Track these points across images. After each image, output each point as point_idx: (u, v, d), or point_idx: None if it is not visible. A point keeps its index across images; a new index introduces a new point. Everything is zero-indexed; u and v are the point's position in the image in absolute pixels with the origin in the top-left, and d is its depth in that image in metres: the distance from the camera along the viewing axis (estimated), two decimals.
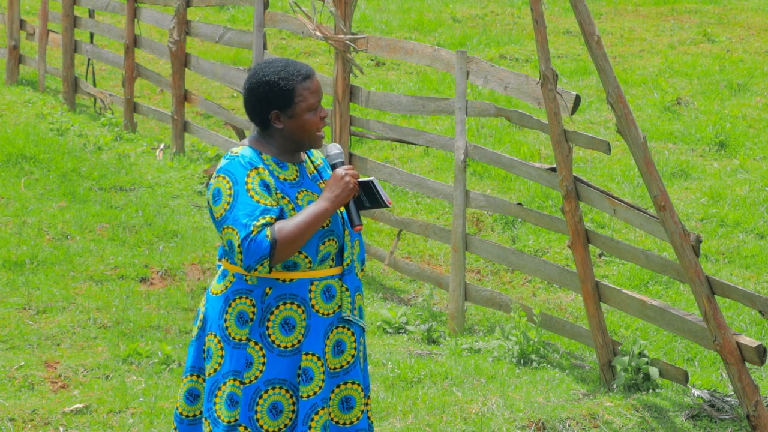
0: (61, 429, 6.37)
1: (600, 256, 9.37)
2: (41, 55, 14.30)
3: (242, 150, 4.39)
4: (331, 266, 4.41)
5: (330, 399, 4.44)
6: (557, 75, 7.02)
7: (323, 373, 4.38)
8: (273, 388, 4.35)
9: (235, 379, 4.35)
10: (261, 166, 4.34)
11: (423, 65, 12.60)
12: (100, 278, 8.69)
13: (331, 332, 4.42)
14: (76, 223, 9.68)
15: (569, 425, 6.57)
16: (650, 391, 7.02)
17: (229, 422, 4.34)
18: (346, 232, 4.44)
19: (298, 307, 4.36)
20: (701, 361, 7.68)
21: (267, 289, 4.35)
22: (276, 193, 4.32)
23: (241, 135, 11.14)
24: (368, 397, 4.57)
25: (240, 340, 4.35)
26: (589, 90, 13.29)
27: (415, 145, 10.21)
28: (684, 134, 11.88)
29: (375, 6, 17.33)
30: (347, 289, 4.43)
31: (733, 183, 10.65)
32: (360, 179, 4.41)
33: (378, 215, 9.22)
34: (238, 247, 4.22)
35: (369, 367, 7.31)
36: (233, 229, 4.24)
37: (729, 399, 6.89)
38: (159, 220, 9.91)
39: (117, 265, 8.90)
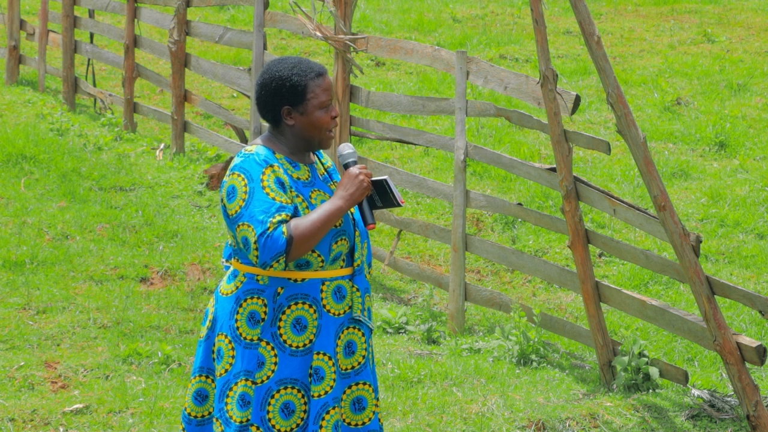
0: (61, 429, 6.37)
1: (600, 256, 9.37)
2: (41, 55, 14.30)
3: (256, 148, 4.40)
4: (342, 267, 4.42)
5: (342, 400, 4.45)
6: (557, 75, 7.02)
7: (334, 372, 4.39)
8: (285, 388, 4.35)
9: (246, 379, 4.35)
10: (276, 164, 4.35)
11: (423, 65, 12.60)
12: (100, 278, 8.69)
13: (342, 333, 4.43)
14: (76, 223, 9.68)
15: (569, 425, 6.57)
16: (650, 391, 7.02)
17: (241, 422, 4.35)
18: (357, 233, 4.45)
19: (310, 306, 4.37)
20: (701, 361, 7.68)
21: (279, 289, 4.35)
22: (291, 191, 4.34)
23: (241, 135, 11.14)
24: (378, 399, 4.58)
25: (251, 340, 4.36)
26: (589, 90, 13.29)
27: (415, 145, 10.21)
28: (684, 134, 11.88)
29: (375, 6, 17.33)
30: (358, 290, 4.44)
31: (733, 183, 10.65)
32: (373, 178, 4.43)
33: (378, 215, 9.22)
34: (254, 243, 4.23)
35: None
36: (249, 226, 4.25)
37: (729, 399, 6.89)
38: (159, 220, 9.91)
39: (117, 265, 8.90)
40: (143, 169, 11.36)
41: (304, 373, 4.37)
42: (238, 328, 4.37)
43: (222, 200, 4.36)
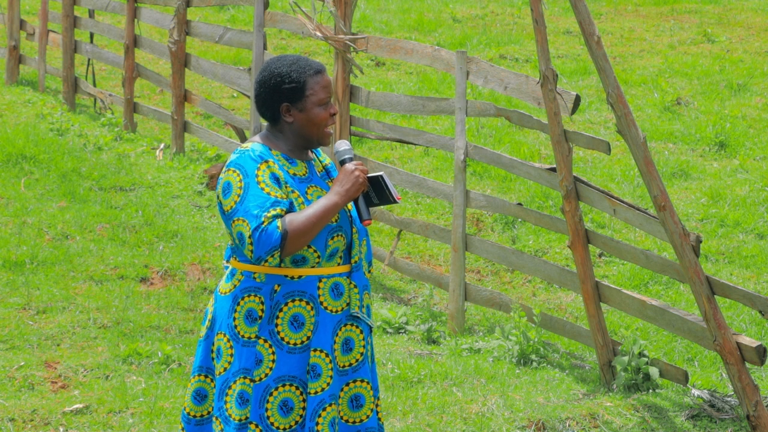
0: (61, 429, 6.37)
1: (600, 256, 9.37)
2: (41, 55, 14.30)
3: (252, 145, 4.42)
4: (339, 264, 4.43)
5: (339, 397, 4.45)
6: (557, 75, 7.02)
7: (331, 369, 4.39)
8: (283, 385, 4.36)
9: (245, 377, 4.36)
10: (271, 159, 4.37)
11: (423, 65, 12.60)
12: (100, 278, 8.69)
13: (340, 330, 4.43)
14: (76, 223, 9.68)
15: (569, 425, 6.57)
16: (650, 391, 7.02)
17: (240, 420, 4.35)
18: (354, 230, 4.45)
19: (307, 303, 4.37)
20: (701, 361, 7.68)
21: (276, 287, 4.36)
22: (286, 187, 4.35)
23: (241, 135, 11.14)
24: (378, 398, 4.58)
25: (249, 338, 4.36)
26: (589, 90, 13.29)
27: (415, 145, 10.21)
28: (684, 134, 11.88)
29: (375, 6, 17.33)
30: (356, 287, 4.44)
31: (733, 183, 10.65)
32: (369, 175, 4.43)
33: (378, 215, 9.22)
34: (249, 237, 4.23)
35: None
36: (244, 221, 4.26)
37: (729, 399, 6.89)
38: (159, 220, 9.91)
39: (117, 265, 8.90)
40: (143, 169, 11.36)
41: (302, 370, 4.37)
42: (236, 326, 4.38)
43: (218, 197, 4.38)
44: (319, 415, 4.35)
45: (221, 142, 11.35)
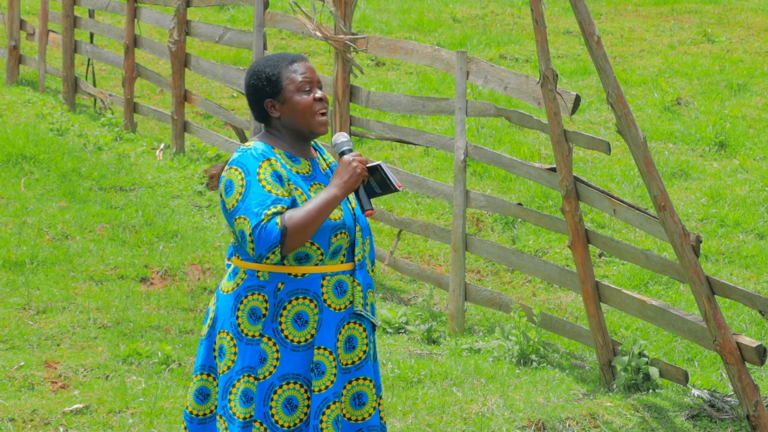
0: (61, 429, 6.37)
1: (600, 256, 9.37)
2: (41, 55, 14.30)
3: (254, 143, 4.43)
4: (342, 261, 4.42)
5: (342, 395, 4.45)
6: (557, 75, 7.02)
7: (335, 367, 4.39)
8: (287, 383, 4.36)
9: (249, 375, 4.36)
10: (273, 158, 4.37)
11: (423, 65, 12.61)
12: (100, 278, 8.69)
13: (343, 327, 4.43)
14: (76, 223, 9.68)
15: (569, 425, 6.57)
16: (650, 391, 7.03)
17: (244, 418, 4.36)
18: (358, 228, 4.45)
19: (311, 301, 4.37)
20: (701, 361, 7.68)
21: (279, 285, 4.36)
22: (288, 184, 4.35)
23: (241, 135, 11.14)
24: (380, 397, 4.58)
25: (253, 336, 4.37)
26: (589, 90, 13.29)
27: (415, 145, 10.21)
28: (684, 134, 11.88)
29: (375, 6, 17.34)
30: (359, 285, 4.44)
31: (733, 183, 10.65)
32: (368, 165, 4.43)
33: (378, 215, 9.22)
34: (249, 235, 4.24)
35: None
36: (245, 219, 4.26)
37: (729, 399, 6.89)
38: (159, 220, 9.91)
39: (117, 265, 8.90)
40: (143, 169, 11.36)
41: (306, 368, 4.37)
42: (239, 324, 4.38)
43: (221, 195, 4.38)
44: (323, 413, 4.36)
45: (221, 142, 11.35)
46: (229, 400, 4.39)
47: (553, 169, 7.41)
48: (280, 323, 4.36)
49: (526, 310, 7.78)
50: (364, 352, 4.48)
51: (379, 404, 4.57)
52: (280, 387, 4.36)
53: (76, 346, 7.55)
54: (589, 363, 7.64)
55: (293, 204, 4.32)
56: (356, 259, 4.44)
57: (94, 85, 13.86)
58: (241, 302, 4.39)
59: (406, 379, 7.19)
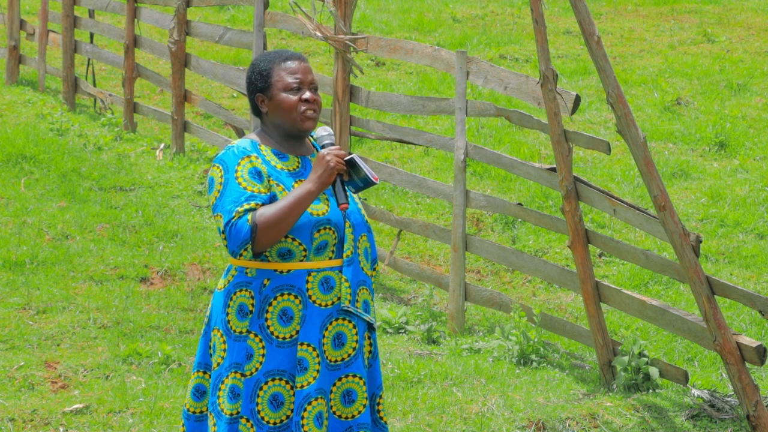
0: (61, 429, 6.37)
1: (600, 256, 9.37)
2: (41, 55, 14.30)
3: (240, 141, 4.48)
4: (330, 258, 4.42)
5: (331, 392, 4.44)
6: (557, 75, 7.02)
7: (319, 363, 4.38)
8: (273, 380, 4.36)
9: (236, 372, 4.38)
10: (254, 154, 4.40)
11: (423, 65, 12.60)
12: (100, 278, 8.69)
13: (330, 324, 4.41)
14: (76, 223, 9.68)
15: (569, 425, 6.57)
16: (650, 391, 7.02)
17: (231, 415, 4.37)
18: (347, 224, 4.44)
19: (296, 297, 4.38)
20: (701, 361, 7.68)
21: (265, 281, 4.37)
22: (269, 180, 4.35)
23: (241, 135, 11.14)
24: (381, 396, 4.57)
25: (240, 332, 4.38)
26: (589, 90, 13.29)
27: (415, 145, 10.21)
28: (684, 134, 11.88)
29: (375, 6, 17.33)
30: (347, 281, 4.42)
31: (733, 183, 10.65)
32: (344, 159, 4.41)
33: (378, 215, 9.22)
34: (222, 232, 4.29)
35: None
36: (220, 216, 4.32)
37: (729, 399, 6.89)
38: (159, 220, 9.91)
39: (117, 265, 8.90)
40: (143, 169, 11.36)
41: (292, 364, 4.37)
42: (229, 321, 4.40)
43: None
44: (305, 409, 4.35)
45: (221, 142, 11.35)
46: (218, 397, 4.41)
47: (553, 169, 7.41)
48: (266, 319, 4.37)
49: (526, 310, 7.78)
50: (354, 349, 4.46)
51: (378, 404, 4.57)
52: (266, 383, 4.37)
53: (76, 346, 7.55)
54: (589, 363, 7.64)
55: (272, 200, 4.34)
56: (345, 255, 4.43)
57: (94, 85, 13.86)
58: (231, 299, 4.41)
59: (406, 379, 7.19)
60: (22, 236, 9.32)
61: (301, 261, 4.37)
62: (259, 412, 4.36)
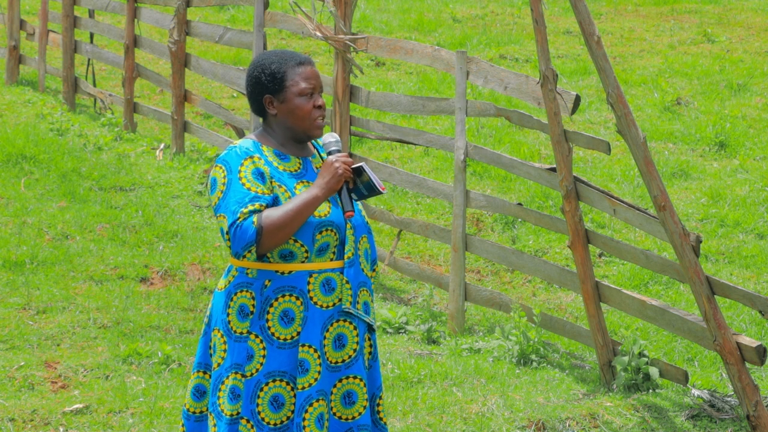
0: (61, 429, 6.37)
1: (600, 256, 9.37)
2: (41, 55, 14.30)
3: (242, 141, 4.46)
4: (331, 259, 4.42)
5: (332, 393, 4.44)
6: (557, 75, 7.02)
7: (320, 365, 4.38)
8: (273, 381, 4.36)
9: (236, 372, 4.38)
10: (257, 155, 4.39)
11: (423, 65, 12.60)
12: (100, 278, 8.69)
13: (331, 325, 4.42)
14: (76, 223, 9.68)
15: (569, 425, 6.57)
16: (650, 391, 7.02)
17: (231, 415, 4.36)
18: (348, 225, 4.44)
19: (297, 299, 4.38)
20: (701, 361, 7.68)
21: (266, 282, 4.37)
22: (272, 182, 4.35)
23: (241, 135, 11.14)
24: (380, 397, 4.57)
25: (241, 333, 4.38)
26: (589, 90, 13.29)
27: (415, 145, 10.21)
28: (684, 134, 11.88)
29: (375, 6, 17.33)
30: (348, 282, 4.43)
31: (733, 183, 10.65)
32: (353, 166, 4.42)
33: (378, 215, 9.22)
34: (227, 233, 4.28)
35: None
36: (224, 217, 4.30)
37: (729, 399, 6.89)
38: (159, 220, 9.91)
39: (117, 265, 8.90)
40: (143, 169, 11.35)
41: (292, 365, 4.37)
42: (229, 322, 4.40)
43: (208, 193, 4.42)
44: (306, 411, 4.35)
45: (221, 142, 11.35)
46: (218, 397, 4.41)
47: (553, 169, 7.41)
48: (267, 320, 4.37)
49: (526, 310, 7.78)
50: (355, 350, 4.46)
51: (378, 405, 4.57)
52: (266, 384, 4.37)
53: (76, 346, 7.55)
54: (589, 363, 7.64)
55: (275, 201, 4.33)
56: (346, 257, 4.43)
57: (94, 85, 13.86)
58: (231, 299, 4.41)
59: (406, 379, 7.18)
60: (22, 236, 9.32)
61: (303, 262, 4.37)
62: (259, 413, 4.36)
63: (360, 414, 4.49)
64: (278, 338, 4.37)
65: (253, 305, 4.38)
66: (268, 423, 4.36)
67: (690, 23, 16.20)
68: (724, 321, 6.45)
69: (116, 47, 14.46)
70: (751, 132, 11.92)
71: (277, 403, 4.37)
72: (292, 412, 4.38)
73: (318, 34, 9.07)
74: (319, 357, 4.38)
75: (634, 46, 15.18)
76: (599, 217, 9.88)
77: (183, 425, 4.57)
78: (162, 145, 12.15)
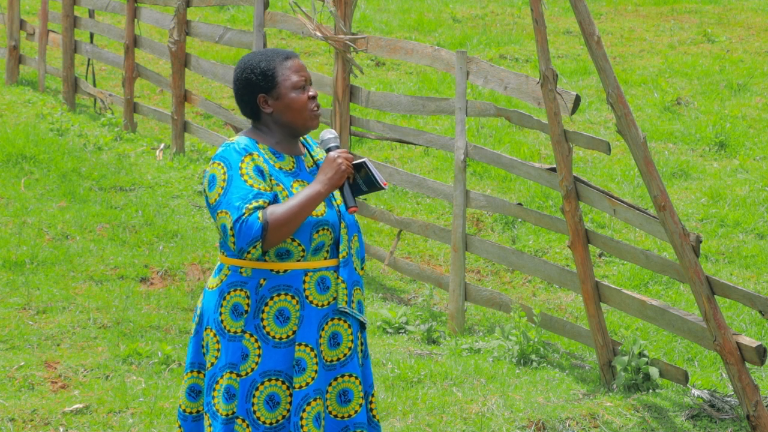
0: (61, 429, 6.37)
1: (600, 256, 9.37)
2: (41, 55, 14.30)
3: (238, 138, 4.44)
4: (326, 258, 4.43)
5: (327, 392, 4.44)
6: (557, 75, 7.02)
7: (316, 364, 4.38)
8: (269, 380, 4.36)
9: (231, 372, 4.37)
10: (256, 152, 4.38)
11: (423, 65, 12.60)
12: (100, 278, 8.69)
13: (326, 324, 4.42)
14: (76, 223, 9.68)
15: (569, 425, 6.57)
16: (650, 391, 7.02)
17: (227, 415, 4.36)
18: (343, 225, 4.45)
19: (292, 297, 4.37)
20: (701, 361, 7.68)
21: (261, 281, 4.36)
22: (270, 180, 4.35)
23: None
24: (372, 395, 4.57)
25: (235, 332, 4.37)
26: (589, 90, 13.29)
27: (415, 145, 10.21)
28: (684, 134, 11.88)
29: (375, 6, 17.34)
30: (343, 281, 4.43)
31: (733, 183, 10.66)
32: (354, 162, 4.43)
33: (378, 215, 9.22)
34: (231, 229, 4.25)
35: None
36: (226, 213, 4.27)
37: (729, 399, 6.89)
38: (159, 220, 9.91)
39: (117, 265, 8.90)
40: (143, 169, 11.36)
41: (288, 364, 4.37)
42: (222, 321, 4.39)
43: (204, 191, 4.39)
44: (304, 410, 4.35)
45: (221, 142, 11.35)
46: (213, 397, 4.39)
47: (553, 169, 7.41)
48: (262, 320, 4.36)
49: (526, 310, 7.78)
50: (350, 349, 4.47)
51: (370, 403, 4.56)
52: (262, 384, 4.36)
53: (76, 346, 7.55)
54: (589, 363, 7.64)
55: (274, 199, 4.33)
56: (341, 256, 4.44)
57: (94, 85, 13.86)
58: (224, 298, 4.39)
59: (406, 379, 7.18)
60: (22, 236, 9.32)
61: (298, 261, 4.37)
62: (255, 412, 4.36)
63: (356, 412, 4.49)
64: (273, 337, 4.36)
65: (247, 304, 4.37)
66: (264, 422, 4.36)
67: (690, 23, 16.20)
68: (724, 321, 6.45)
69: (116, 47, 14.46)
70: (751, 132, 11.92)
71: (272, 402, 4.37)
72: (288, 411, 4.38)
73: (318, 34, 9.08)
74: (315, 356, 4.38)
75: (634, 46, 15.18)
76: (599, 217, 9.88)
77: (180, 426, 4.56)
78: (162, 145, 12.15)
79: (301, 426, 4.34)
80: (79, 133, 12.38)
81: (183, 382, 4.55)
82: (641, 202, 10.12)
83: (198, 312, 4.51)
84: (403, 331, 8.21)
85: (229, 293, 4.39)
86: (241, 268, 4.38)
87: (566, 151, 7.08)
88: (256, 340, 4.36)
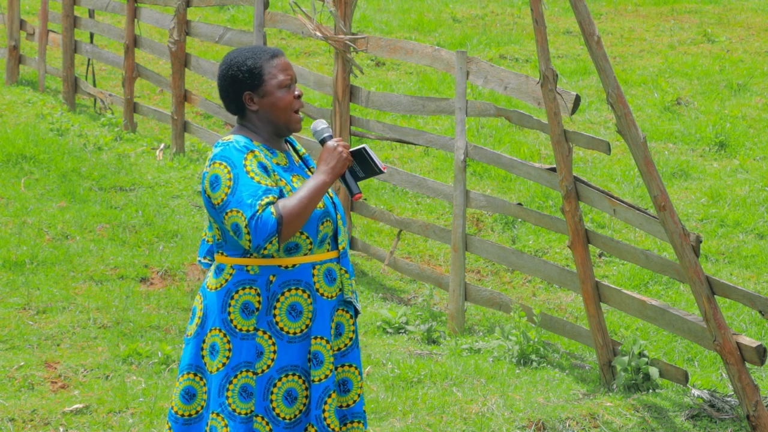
0: (61, 429, 6.37)
1: (600, 256, 9.37)
2: (41, 55, 14.30)
3: (234, 137, 4.42)
4: (328, 249, 4.44)
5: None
6: (557, 75, 7.02)
7: (332, 356, 4.40)
8: (286, 375, 4.36)
9: (247, 371, 4.35)
10: (256, 150, 4.37)
11: (423, 65, 12.60)
12: (100, 278, 8.69)
13: (335, 315, 4.45)
14: (76, 223, 9.68)
15: (569, 425, 6.57)
16: (650, 391, 7.03)
17: (246, 414, 4.34)
18: (338, 216, 4.47)
19: (304, 291, 4.38)
20: (701, 361, 7.68)
21: (271, 277, 4.36)
22: (274, 175, 4.35)
23: None
24: (360, 386, 4.59)
25: (247, 331, 4.36)
26: (589, 90, 13.29)
27: (415, 145, 10.21)
28: (684, 134, 11.88)
29: (375, 6, 17.34)
30: (346, 272, 4.47)
31: (733, 183, 10.66)
32: (351, 149, 4.44)
33: (378, 215, 9.22)
34: (246, 227, 4.23)
35: (369, 368, 7.33)
36: (238, 212, 4.25)
37: (729, 399, 6.90)
38: (159, 220, 9.91)
39: (117, 265, 8.90)
40: (143, 169, 11.36)
41: (303, 358, 4.38)
42: (231, 320, 4.37)
43: (205, 191, 4.36)
44: (325, 402, 4.37)
45: None
46: (227, 397, 4.37)
47: (553, 169, 7.41)
48: (275, 315, 4.36)
49: (526, 310, 7.78)
50: (350, 339, 4.50)
51: (360, 389, 4.57)
52: (279, 380, 4.36)
53: (76, 346, 7.55)
54: (589, 363, 7.64)
55: (281, 194, 4.33)
56: (340, 246, 4.46)
57: (94, 85, 13.86)
58: (232, 297, 4.38)
59: (406, 379, 7.19)
60: (22, 236, 9.32)
61: (305, 255, 4.38)
62: (274, 408, 4.36)
63: (354, 402, 4.52)
64: (288, 332, 4.37)
65: (258, 302, 4.37)
66: (284, 418, 4.36)
67: (690, 23, 16.20)
68: (724, 321, 6.45)
69: (116, 47, 14.46)
70: (751, 132, 11.92)
71: (291, 397, 4.37)
72: (304, 405, 4.39)
73: (318, 34, 9.08)
74: (330, 348, 4.39)
75: (634, 46, 15.18)
76: (599, 217, 9.88)
77: (170, 428, 4.50)
78: (162, 145, 12.15)
79: (324, 418, 4.36)
80: (79, 133, 12.38)
81: (177, 383, 4.51)
82: (641, 202, 10.12)
83: (198, 314, 4.47)
84: (403, 331, 8.21)
85: (237, 292, 4.37)
86: (248, 266, 4.37)
87: (566, 151, 7.08)
88: (270, 337, 4.36)
